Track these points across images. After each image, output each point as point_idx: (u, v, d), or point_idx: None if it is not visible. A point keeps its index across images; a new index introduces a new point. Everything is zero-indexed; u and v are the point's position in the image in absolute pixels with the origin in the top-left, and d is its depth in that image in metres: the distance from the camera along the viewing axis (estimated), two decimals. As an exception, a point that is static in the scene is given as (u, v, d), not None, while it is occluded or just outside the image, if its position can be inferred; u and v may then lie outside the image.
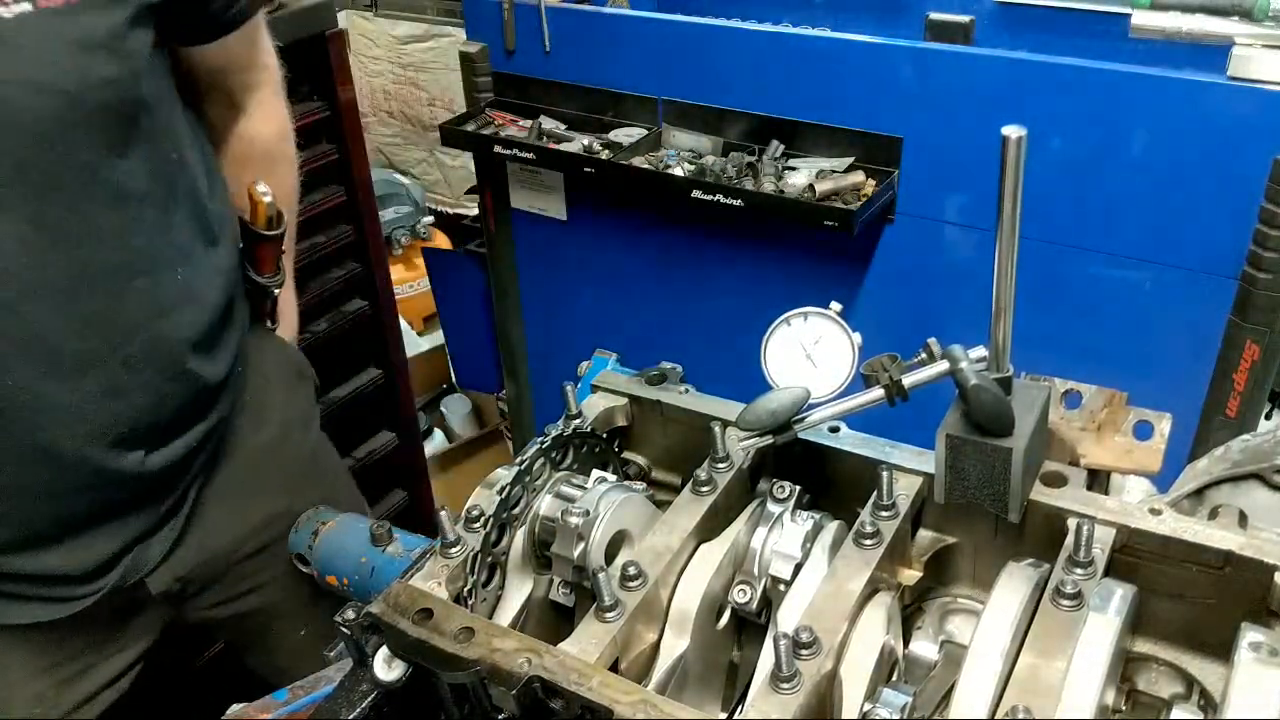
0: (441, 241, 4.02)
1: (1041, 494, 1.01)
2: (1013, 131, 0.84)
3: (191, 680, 1.66)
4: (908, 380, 0.99)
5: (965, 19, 2.29)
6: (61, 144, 1.12)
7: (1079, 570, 0.93)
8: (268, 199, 1.42)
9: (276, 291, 1.54)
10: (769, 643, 0.94)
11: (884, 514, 1.02)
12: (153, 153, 1.24)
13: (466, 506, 1.08)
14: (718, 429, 1.11)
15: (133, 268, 1.23)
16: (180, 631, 1.54)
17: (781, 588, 1.03)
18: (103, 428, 1.25)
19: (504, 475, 1.10)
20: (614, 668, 0.94)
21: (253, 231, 1.45)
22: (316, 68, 2.16)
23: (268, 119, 1.51)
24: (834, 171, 2.03)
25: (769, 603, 1.06)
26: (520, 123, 2.38)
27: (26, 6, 1.06)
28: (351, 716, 0.95)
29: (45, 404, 1.20)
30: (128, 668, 1.47)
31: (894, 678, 1.00)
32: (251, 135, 1.49)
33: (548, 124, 2.35)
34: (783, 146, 2.10)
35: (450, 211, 4.21)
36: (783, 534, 1.06)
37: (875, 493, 1.03)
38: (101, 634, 1.43)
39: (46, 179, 1.12)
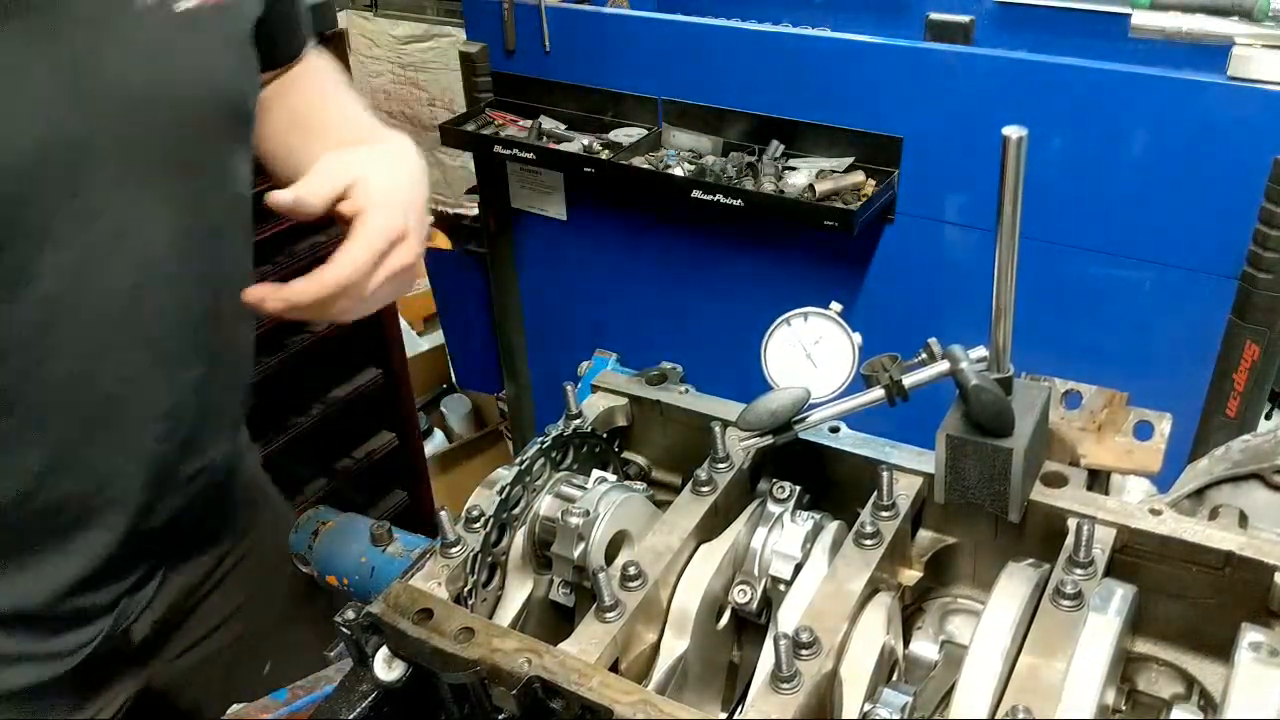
0: (441, 241, 4.02)
1: (1041, 494, 1.01)
2: (1013, 131, 0.84)
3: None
4: (908, 380, 0.99)
5: (965, 19, 2.29)
6: (214, 136, 1.17)
7: (1079, 570, 0.93)
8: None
9: None
10: (769, 643, 0.94)
11: (884, 514, 1.02)
12: (249, 154, 1.26)
13: (466, 506, 1.08)
14: (718, 429, 1.11)
15: (245, 272, 1.26)
16: (148, 701, 1.41)
17: (781, 588, 1.03)
18: (179, 429, 1.24)
19: (504, 475, 1.10)
20: (614, 668, 0.94)
21: None
22: (316, 68, 2.15)
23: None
24: (834, 171, 2.03)
25: (769, 603, 1.06)
26: (520, 123, 2.38)
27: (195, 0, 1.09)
28: (351, 716, 0.95)
29: (147, 398, 1.18)
30: None
31: (894, 678, 1.00)
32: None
33: (548, 124, 2.35)
34: (783, 146, 2.10)
35: (450, 211, 4.21)
36: (783, 534, 1.06)
37: (875, 493, 1.03)
38: (76, 705, 1.31)
39: (201, 171, 1.17)
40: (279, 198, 1.06)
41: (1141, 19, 1.83)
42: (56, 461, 1.13)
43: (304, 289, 1.05)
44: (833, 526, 1.07)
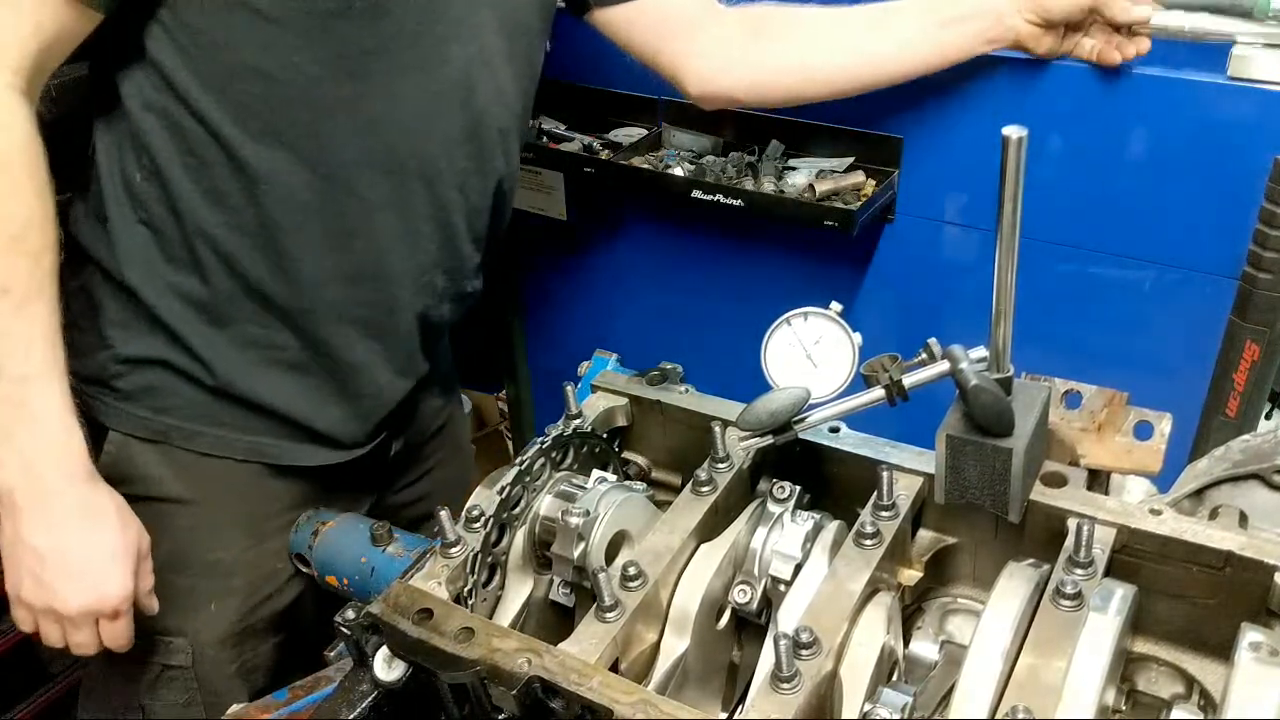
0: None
1: (1041, 494, 1.01)
2: (1013, 131, 0.84)
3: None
4: (908, 380, 0.99)
5: (965, 19, 2.28)
6: (540, 23, 1.54)
7: (1079, 570, 0.93)
8: None
9: None
10: (769, 643, 0.94)
11: (884, 514, 1.02)
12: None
13: (466, 506, 1.08)
14: (718, 429, 1.11)
15: (515, 171, 1.63)
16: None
17: (781, 588, 1.03)
18: (442, 275, 1.49)
19: (504, 475, 1.10)
20: (614, 668, 0.94)
21: None
22: (316, 68, 2.15)
23: None
24: (834, 171, 2.03)
25: (769, 603, 1.06)
26: (520, 123, 2.38)
27: None
28: (351, 716, 0.95)
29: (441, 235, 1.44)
30: None
31: (894, 678, 1.00)
32: None
33: (548, 124, 2.35)
34: (783, 146, 2.10)
35: (450, 211, 4.21)
36: (783, 534, 1.06)
37: (875, 493, 1.03)
38: (329, 502, 1.50)
39: (528, 54, 1.54)
40: None
41: (1141, 19, 1.82)
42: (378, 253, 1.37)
43: None
44: (833, 526, 1.07)
